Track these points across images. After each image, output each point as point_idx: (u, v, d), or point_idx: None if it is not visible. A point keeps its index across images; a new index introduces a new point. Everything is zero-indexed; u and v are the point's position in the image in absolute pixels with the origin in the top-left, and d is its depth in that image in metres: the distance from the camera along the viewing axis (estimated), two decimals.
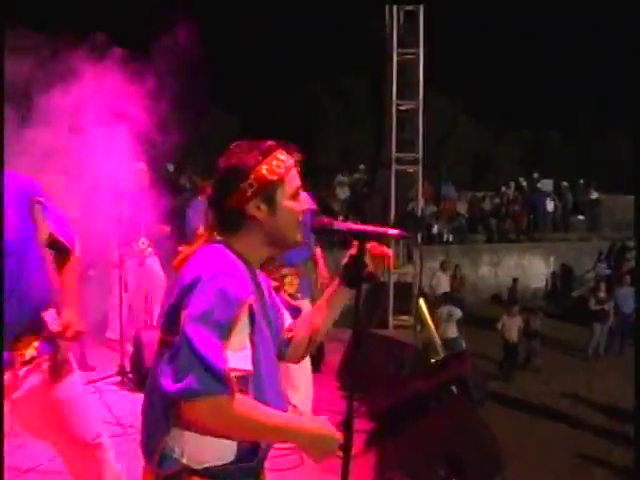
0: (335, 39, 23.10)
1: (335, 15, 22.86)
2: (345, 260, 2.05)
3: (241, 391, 1.66)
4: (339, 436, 1.84)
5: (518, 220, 18.48)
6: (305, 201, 1.93)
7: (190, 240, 4.84)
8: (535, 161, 24.72)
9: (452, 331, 11.11)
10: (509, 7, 25.85)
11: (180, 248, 1.93)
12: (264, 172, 1.81)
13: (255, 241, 1.85)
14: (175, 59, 5.31)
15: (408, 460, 3.39)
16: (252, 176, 1.80)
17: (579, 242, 18.34)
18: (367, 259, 2.01)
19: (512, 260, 17.08)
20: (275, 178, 1.82)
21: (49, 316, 2.75)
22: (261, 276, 1.94)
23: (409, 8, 9.89)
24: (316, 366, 5.49)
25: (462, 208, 18.45)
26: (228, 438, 1.74)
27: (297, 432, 1.78)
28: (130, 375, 6.06)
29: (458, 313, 11.43)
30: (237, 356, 1.64)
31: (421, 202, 10.75)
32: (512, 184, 20.31)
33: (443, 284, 13.91)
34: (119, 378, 6.05)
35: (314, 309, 2.30)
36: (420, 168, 10.21)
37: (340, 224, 2.10)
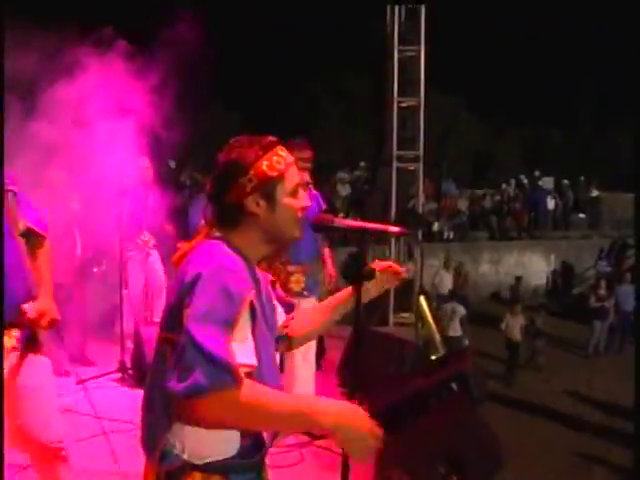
0: (336, 37, 23.11)
1: (336, 13, 22.86)
2: (346, 258, 2.06)
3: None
4: (369, 423, 1.67)
5: (519, 218, 18.47)
6: (304, 198, 1.92)
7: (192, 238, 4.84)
8: (536, 159, 24.74)
9: (455, 329, 11.09)
10: (511, 5, 25.84)
11: (179, 244, 1.90)
12: (264, 168, 1.80)
13: (254, 237, 1.85)
14: (177, 56, 5.31)
15: (408, 458, 3.38)
16: (252, 171, 1.79)
17: (580, 240, 18.34)
18: (381, 275, 2.15)
19: (512, 258, 17.08)
20: (275, 174, 1.81)
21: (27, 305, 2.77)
22: (259, 271, 1.94)
23: (410, 6, 9.88)
24: (316, 363, 5.50)
25: (463, 205, 18.45)
26: (245, 430, 1.73)
27: (319, 417, 1.63)
28: (130, 371, 6.06)
29: (461, 311, 11.41)
30: (242, 351, 1.62)
31: (422, 199, 10.73)
32: (513, 182, 20.32)
33: (446, 282, 13.88)
34: (119, 374, 6.06)
35: (317, 308, 2.33)
36: (421, 165, 10.19)
37: (341, 221, 2.10)
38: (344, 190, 17.03)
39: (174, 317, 1.69)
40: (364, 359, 2.10)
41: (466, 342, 10.99)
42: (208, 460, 1.75)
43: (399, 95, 9.98)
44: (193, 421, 1.63)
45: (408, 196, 11.03)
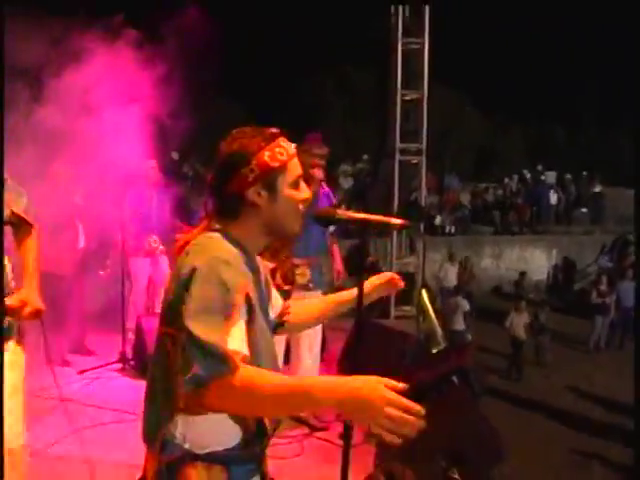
0: (340, 30, 23.06)
1: (341, 7, 22.79)
2: (349, 250, 2.06)
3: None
4: (380, 393, 1.43)
5: (521, 212, 18.44)
6: (306, 190, 1.91)
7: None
8: (539, 153, 24.68)
9: (459, 323, 11.05)
10: (516, 2, 25.79)
11: (178, 236, 1.90)
12: (266, 158, 1.79)
13: (254, 228, 1.84)
14: (184, 47, 5.30)
15: (409, 450, 3.39)
16: (254, 162, 1.79)
17: (582, 235, 18.30)
18: (382, 285, 2.26)
19: (514, 252, 17.05)
20: (277, 165, 1.81)
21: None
22: (260, 261, 1.95)
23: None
24: None
25: (465, 199, 18.42)
26: (251, 414, 1.74)
27: (321, 394, 1.48)
28: (132, 362, 6.08)
29: (465, 305, 11.35)
30: (236, 340, 1.62)
31: (424, 193, 10.72)
32: (515, 176, 20.28)
33: (451, 276, 13.85)
34: (120, 365, 6.08)
35: (321, 301, 2.38)
36: (424, 159, 10.18)
37: (343, 213, 2.10)
38: (346, 183, 17.04)
39: (173, 312, 1.69)
40: (365, 352, 2.10)
41: (469, 337, 10.95)
42: (209, 450, 1.75)
43: (403, 88, 9.97)
44: (198, 411, 1.65)
45: (410, 189, 11.01)
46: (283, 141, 1.85)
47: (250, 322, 1.72)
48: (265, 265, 2.02)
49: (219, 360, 1.56)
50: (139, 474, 1.89)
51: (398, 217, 2.33)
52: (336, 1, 23.14)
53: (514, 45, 25.84)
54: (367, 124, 23.03)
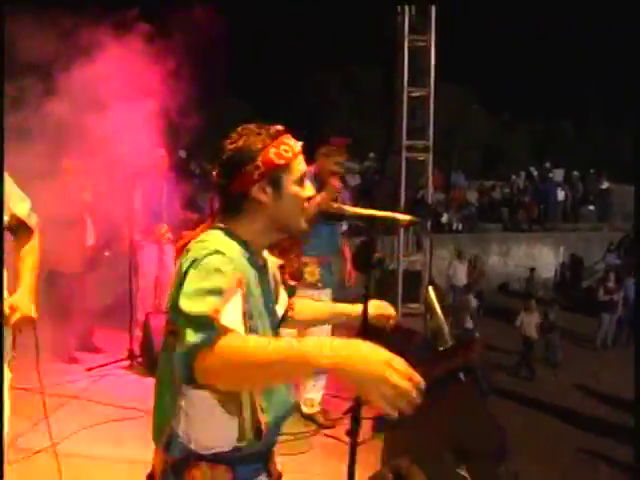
0: (347, 29, 23.06)
1: (347, 7, 22.79)
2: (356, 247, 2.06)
3: None
4: (380, 356, 1.39)
5: (528, 210, 18.39)
6: (310, 188, 1.91)
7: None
8: (546, 151, 24.62)
9: (470, 322, 11.01)
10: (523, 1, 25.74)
11: (184, 234, 1.89)
12: (272, 156, 1.79)
13: (258, 226, 1.84)
14: (192, 44, 5.30)
15: (416, 447, 3.39)
16: (259, 159, 1.78)
17: (589, 232, 18.24)
18: (375, 313, 2.21)
19: (521, 250, 17.00)
20: (282, 162, 1.80)
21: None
22: (267, 259, 1.95)
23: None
24: None
25: (472, 197, 18.38)
26: (247, 385, 1.66)
27: (316, 357, 1.41)
28: (139, 359, 6.10)
29: (473, 304, 11.33)
30: (229, 316, 1.57)
31: (431, 190, 10.69)
32: (523, 173, 20.21)
33: (460, 273, 13.80)
34: (128, 362, 6.09)
35: (329, 307, 2.43)
36: (430, 156, 10.14)
37: (349, 209, 2.10)
38: (353, 181, 17.02)
39: (173, 306, 1.68)
40: None
41: (477, 335, 10.91)
42: (214, 450, 1.75)
43: (409, 85, 9.94)
44: (196, 380, 1.57)
45: (417, 187, 10.99)
46: (288, 138, 1.84)
47: (247, 317, 1.69)
48: (274, 261, 2.01)
49: (207, 327, 1.52)
50: (146, 470, 1.90)
51: (405, 214, 2.33)
52: (342, 1, 23.13)
53: (521, 43, 25.81)
54: (373, 123, 23.03)
